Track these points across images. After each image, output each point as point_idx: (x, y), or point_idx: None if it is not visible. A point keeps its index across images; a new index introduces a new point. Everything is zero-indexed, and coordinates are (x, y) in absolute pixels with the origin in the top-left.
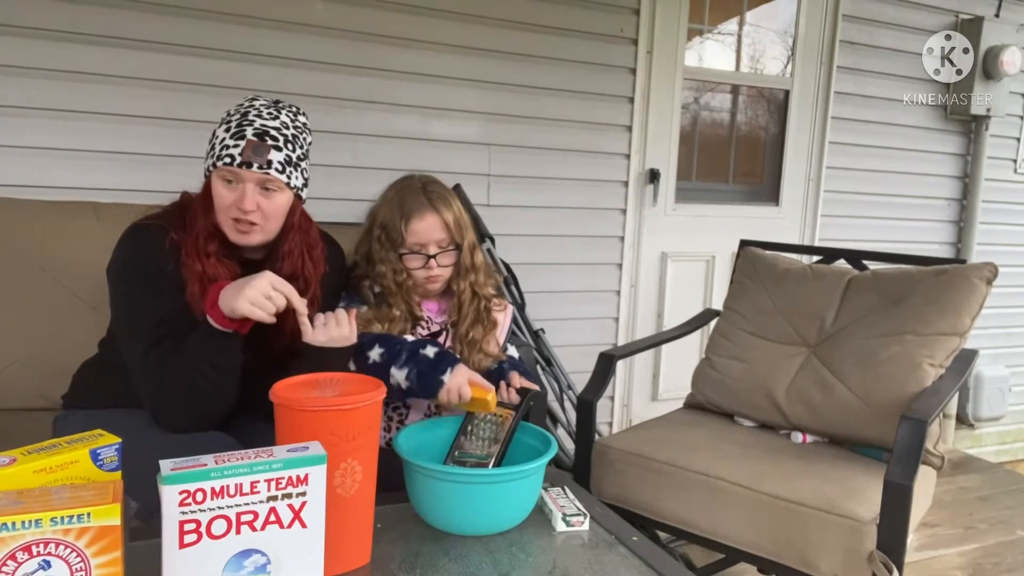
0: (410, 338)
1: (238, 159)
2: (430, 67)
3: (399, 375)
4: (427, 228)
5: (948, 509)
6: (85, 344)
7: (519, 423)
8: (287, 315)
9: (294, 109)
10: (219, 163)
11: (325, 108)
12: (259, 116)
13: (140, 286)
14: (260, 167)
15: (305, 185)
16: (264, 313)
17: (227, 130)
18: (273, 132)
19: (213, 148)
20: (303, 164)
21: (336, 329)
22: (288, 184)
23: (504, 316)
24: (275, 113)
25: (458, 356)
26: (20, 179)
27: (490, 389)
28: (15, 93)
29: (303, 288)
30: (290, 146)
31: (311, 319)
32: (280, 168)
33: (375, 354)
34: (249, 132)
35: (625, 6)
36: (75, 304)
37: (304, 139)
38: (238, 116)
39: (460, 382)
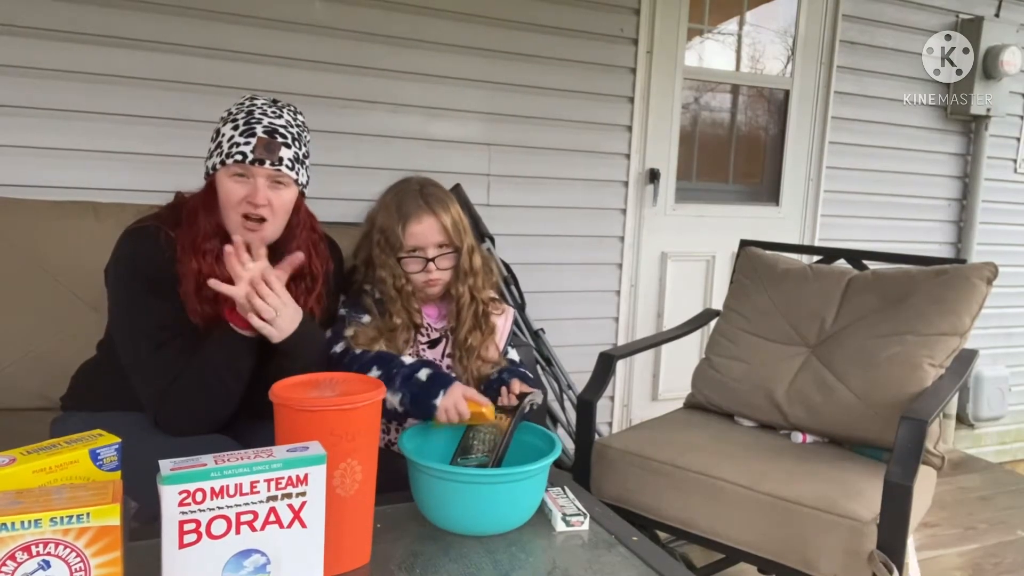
0: (408, 360)
1: (250, 156)
2: (431, 67)
3: (394, 400)
4: (425, 231)
5: (948, 509)
6: (85, 345)
7: (518, 425)
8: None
9: (293, 108)
10: (228, 160)
11: (326, 108)
12: (264, 114)
13: (140, 288)
14: (272, 163)
15: (307, 182)
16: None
17: (235, 128)
18: (281, 130)
19: (220, 146)
20: (307, 162)
21: (286, 313)
22: (296, 180)
23: (504, 320)
24: (278, 112)
25: (453, 375)
26: (20, 179)
27: (486, 404)
28: (15, 93)
29: (311, 285)
30: (296, 144)
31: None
32: (290, 165)
33: (373, 376)
34: (259, 129)
35: (625, 6)
36: (75, 304)
37: (305, 138)
38: (243, 114)
39: (455, 400)
